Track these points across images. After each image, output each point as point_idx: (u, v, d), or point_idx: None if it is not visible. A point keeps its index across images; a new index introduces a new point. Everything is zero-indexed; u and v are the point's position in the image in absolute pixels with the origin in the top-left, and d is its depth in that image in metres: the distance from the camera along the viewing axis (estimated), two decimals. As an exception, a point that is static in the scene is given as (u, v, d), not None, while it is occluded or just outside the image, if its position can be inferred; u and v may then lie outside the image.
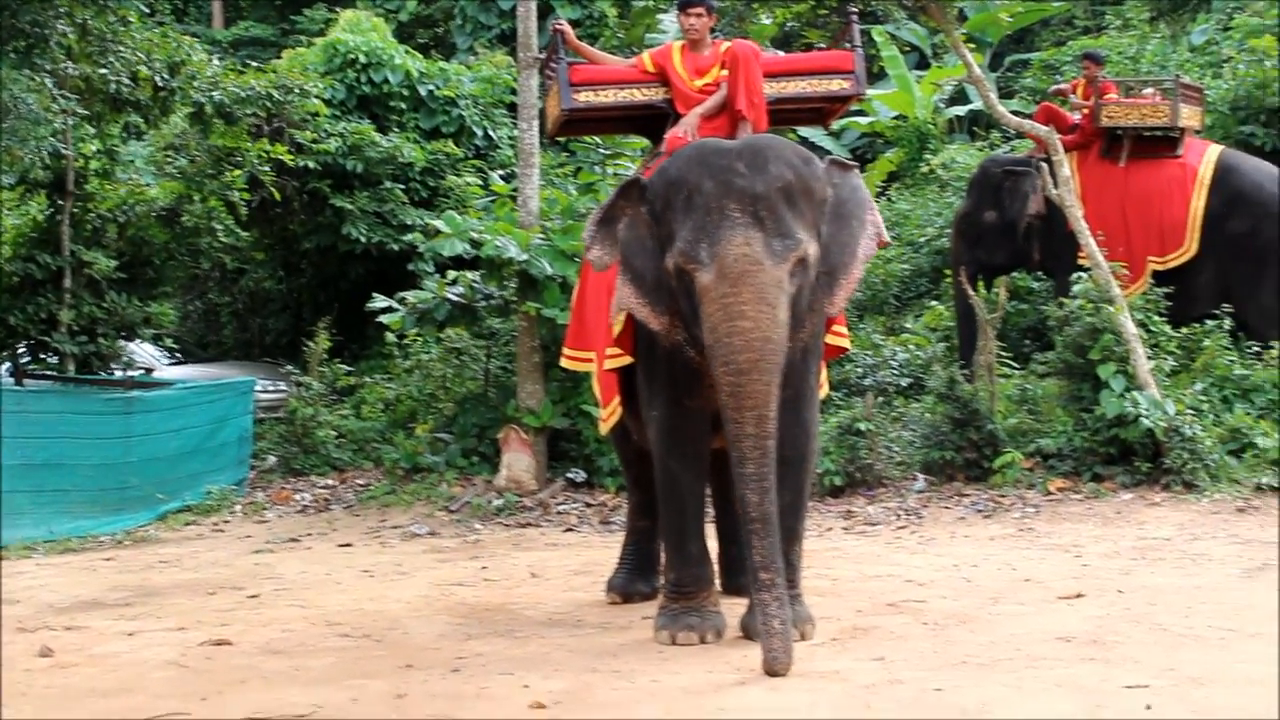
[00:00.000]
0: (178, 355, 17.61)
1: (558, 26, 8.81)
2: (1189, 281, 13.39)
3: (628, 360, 7.61)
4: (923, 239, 17.26)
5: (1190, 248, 13.51)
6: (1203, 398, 12.06)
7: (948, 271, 15.10)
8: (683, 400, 7.21)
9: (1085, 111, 14.00)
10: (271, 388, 15.44)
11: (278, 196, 15.30)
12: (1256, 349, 12.83)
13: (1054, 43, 23.61)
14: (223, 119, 14.31)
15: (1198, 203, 13.52)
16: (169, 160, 15.64)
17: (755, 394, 6.56)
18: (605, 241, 7.23)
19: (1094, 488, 11.51)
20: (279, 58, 17.47)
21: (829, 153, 19.82)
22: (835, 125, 20.68)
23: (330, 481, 13.39)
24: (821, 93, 8.65)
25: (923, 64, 23.87)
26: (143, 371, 15.13)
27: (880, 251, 16.56)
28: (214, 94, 13.95)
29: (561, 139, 13.63)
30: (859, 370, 14.01)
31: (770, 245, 6.63)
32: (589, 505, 12.24)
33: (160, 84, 13.31)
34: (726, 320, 6.57)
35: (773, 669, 6.34)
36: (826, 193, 7.08)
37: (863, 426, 12.12)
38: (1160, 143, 13.84)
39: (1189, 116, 13.87)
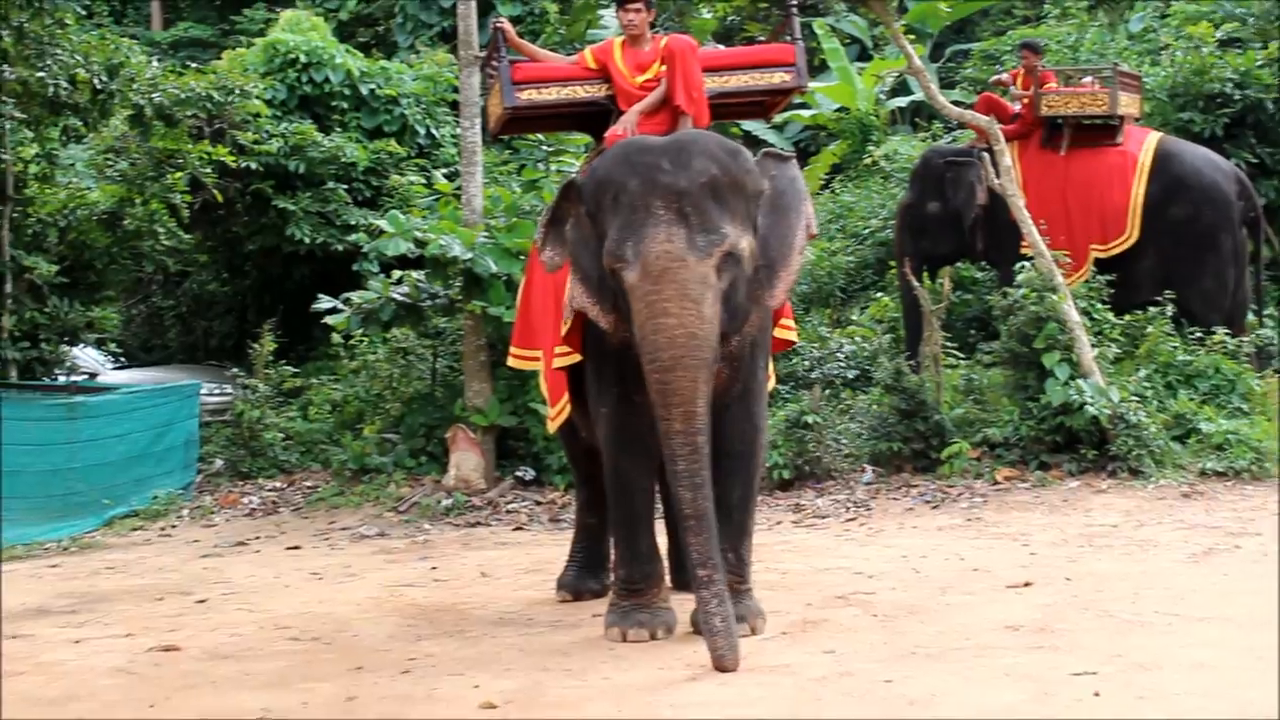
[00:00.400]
0: (122, 360, 17.51)
1: (498, 24, 8.77)
2: (1131, 268, 13.46)
3: (576, 358, 7.60)
4: (867, 231, 17.31)
5: (1132, 235, 13.56)
6: (1146, 384, 12.14)
7: (893, 263, 15.15)
8: (632, 396, 7.14)
9: (1025, 101, 14.05)
10: (217, 391, 15.36)
11: (220, 198, 15.21)
12: (1199, 334, 12.91)
13: (994, 33, 23.75)
14: (163, 121, 14.20)
15: (1138, 190, 13.57)
16: (109, 163, 15.55)
17: (681, 390, 6.57)
18: (555, 242, 7.24)
19: (1041, 476, 11.57)
20: (219, 59, 17.39)
21: (772, 145, 19.91)
22: (778, 118, 20.82)
23: (278, 484, 13.34)
24: (763, 86, 8.64)
25: (864, 56, 23.94)
26: (86, 377, 15.06)
27: (825, 244, 16.81)
28: (154, 96, 13.85)
29: (505, 137, 13.61)
30: (806, 363, 14.07)
31: (694, 241, 6.63)
32: (538, 503, 12.23)
33: (99, 87, 13.22)
34: (651, 318, 6.60)
35: (720, 665, 6.35)
36: (761, 185, 7.07)
37: (810, 419, 12.14)
38: (1100, 131, 13.90)
39: (1128, 104, 13.95)
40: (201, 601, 8.94)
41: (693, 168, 6.76)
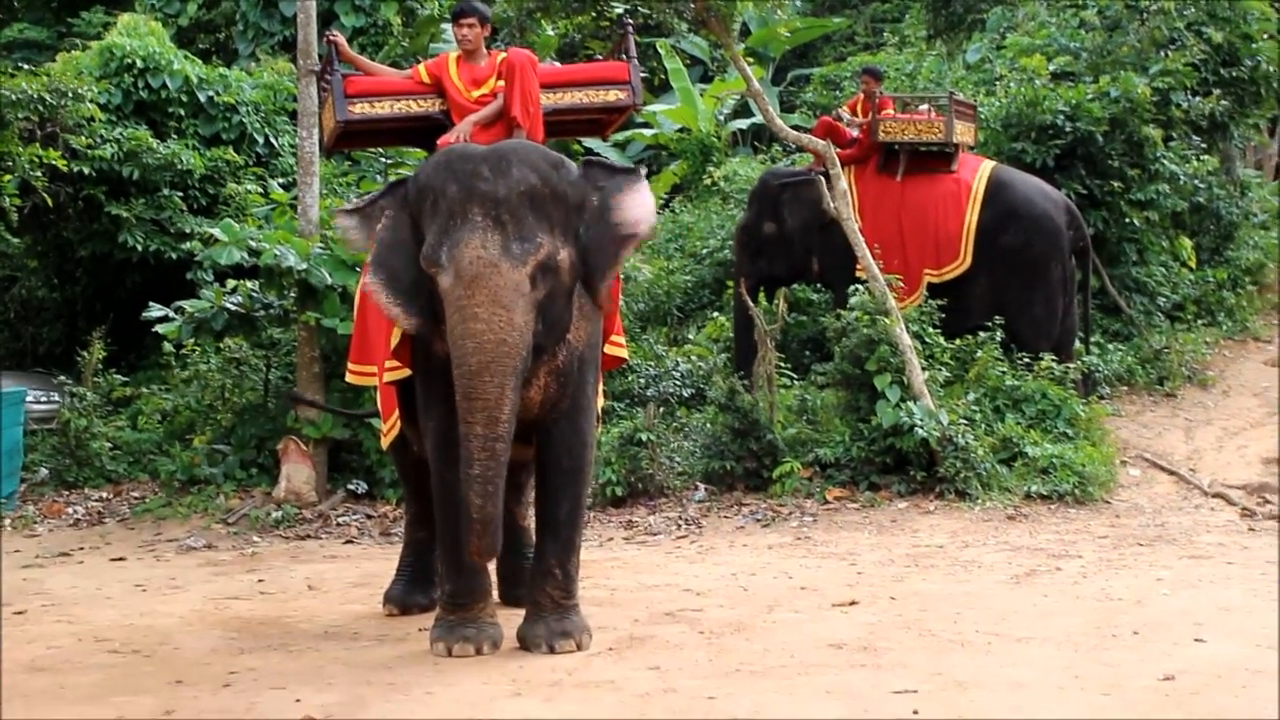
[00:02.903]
0: (-55, 365, 17.12)
1: (331, 37, 8.70)
2: (963, 294, 13.66)
3: (406, 372, 7.56)
4: (705, 251, 17.38)
5: (964, 261, 13.76)
6: (975, 408, 12.34)
7: (730, 283, 15.22)
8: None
9: (863, 126, 14.21)
10: (44, 398, 15.04)
11: (51, 203, 14.91)
12: (1027, 360, 13.14)
13: (835, 58, 24.02)
14: (-8, 122, 13.91)
15: (971, 217, 13.77)
16: (-64, 165, 15.21)
17: (486, 395, 6.60)
18: (364, 224, 7.19)
19: (870, 496, 11.72)
20: (54, 61, 17.08)
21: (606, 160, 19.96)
22: (620, 137, 20.88)
23: (104, 494, 13.09)
24: (598, 103, 8.64)
25: (707, 77, 24.07)
26: (-93, 382, 14.68)
27: (663, 263, 16.86)
28: (-17, 97, 13.56)
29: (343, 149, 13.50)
30: (642, 381, 14.09)
31: (509, 248, 6.68)
32: (370, 517, 12.16)
33: (-75, 86, 12.92)
34: (461, 323, 6.63)
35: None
36: (584, 196, 7.10)
37: (644, 437, 12.18)
38: (935, 158, 14.08)
39: (963, 132, 14.15)
40: (20, 613, 8.71)
41: (512, 176, 6.80)
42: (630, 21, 8.99)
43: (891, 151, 14.10)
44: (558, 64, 10.11)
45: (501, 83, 8.07)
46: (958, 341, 13.13)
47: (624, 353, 8.20)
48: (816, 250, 14.02)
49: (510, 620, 7.41)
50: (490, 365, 6.58)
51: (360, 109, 8.39)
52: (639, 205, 7.24)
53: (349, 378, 8.87)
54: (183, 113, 16.76)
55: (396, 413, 7.89)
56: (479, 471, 6.58)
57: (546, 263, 6.77)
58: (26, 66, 15.63)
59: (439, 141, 7.96)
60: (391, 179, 9.93)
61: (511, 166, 6.83)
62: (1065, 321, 13.98)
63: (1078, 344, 14.16)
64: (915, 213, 13.92)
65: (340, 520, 12.03)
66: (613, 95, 8.62)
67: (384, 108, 8.39)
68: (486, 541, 6.57)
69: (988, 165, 14.24)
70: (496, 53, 8.33)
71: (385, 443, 8.29)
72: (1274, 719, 5.66)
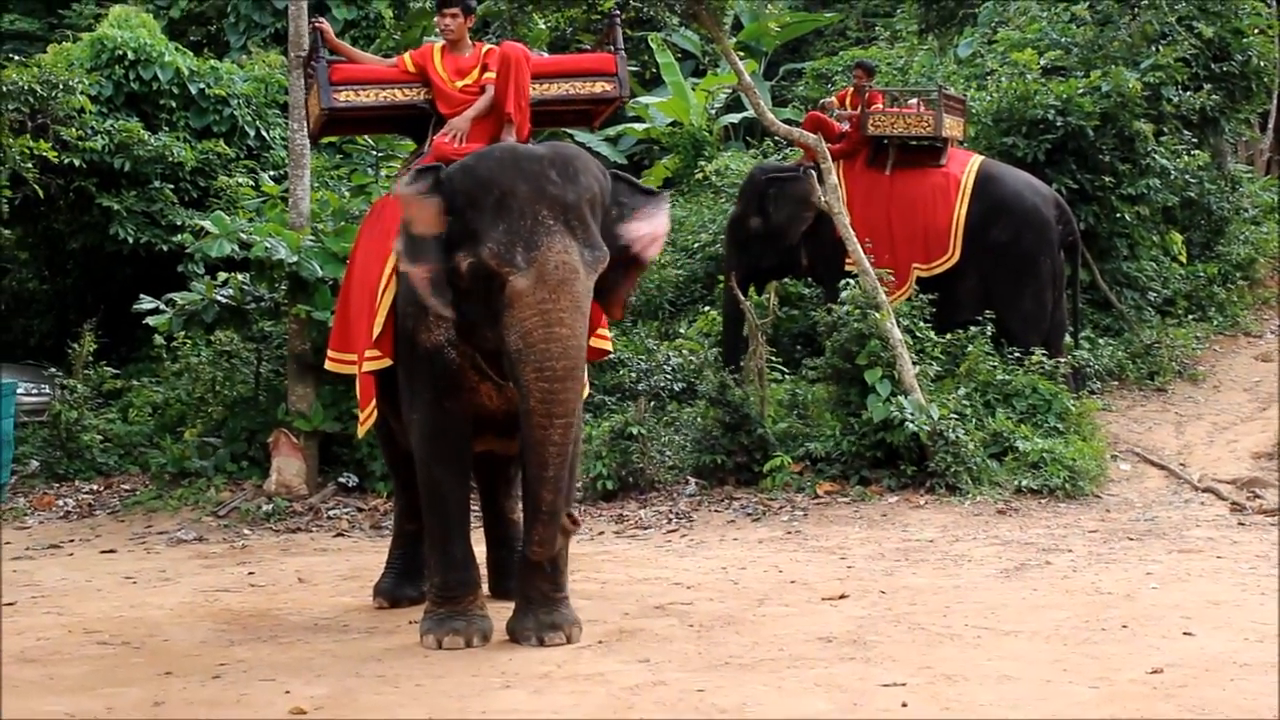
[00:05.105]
0: (-64, 357, 17.10)
1: (317, 24, 8.68)
2: (953, 288, 13.65)
3: (387, 362, 7.56)
4: (696, 245, 17.37)
5: (954, 255, 13.74)
6: (966, 402, 12.33)
7: (722, 277, 15.22)
8: (443, 403, 7.23)
9: (852, 119, 14.21)
10: (35, 391, 15.06)
11: (42, 195, 14.91)
12: (1017, 354, 13.14)
13: (827, 53, 23.99)
14: (-17, 115, 13.91)
15: (960, 211, 13.77)
16: (-73, 157, 15.19)
17: (568, 401, 6.68)
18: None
19: (861, 491, 11.72)
20: (46, 52, 17.08)
21: (606, 159, 20.01)
22: (612, 131, 20.86)
23: (95, 486, 13.11)
24: (584, 95, 8.60)
25: (699, 71, 24.07)
26: (-102, 374, 14.66)
27: (655, 256, 16.83)
28: (-27, 89, 13.56)
29: (334, 140, 13.46)
30: (633, 375, 14.09)
31: (583, 255, 6.75)
32: (360, 510, 12.15)
33: (-83, 78, 12.91)
34: (544, 326, 6.64)
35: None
36: (610, 207, 7.18)
37: (635, 431, 12.18)
38: (925, 152, 14.08)
39: (952, 127, 14.15)
40: (9, 605, 8.71)
41: (580, 183, 6.88)
42: (620, 14, 8.96)
43: (880, 145, 14.11)
44: (546, 55, 10.07)
45: (490, 74, 8.05)
46: (948, 336, 13.13)
47: (608, 345, 8.18)
48: (807, 244, 14.00)
49: (500, 613, 7.42)
50: (574, 371, 6.69)
51: (345, 96, 8.35)
52: (652, 227, 7.34)
53: (328, 365, 8.82)
54: (174, 105, 16.77)
55: (374, 403, 7.85)
56: (554, 474, 6.67)
57: (602, 270, 6.89)
58: (17, 58, 15.63)
59: (435, 139, 7.94)
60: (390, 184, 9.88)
61: (579, 173, 6.90)
62: (1054, 316, 13.98)
63: (1068, 339, 14.17)
64: (904, 207, 13.91)
65: (331, 513, 12.03)
66: (599, 87, 8.59)
67: (369, 96, 8.36)
68: (550, 534, 6.62)
69: (976, 159, 14.24)
70: (481, 44, 8.31)
71: (361, 431, 8.26)
72: (1265, 716, 5.67)
